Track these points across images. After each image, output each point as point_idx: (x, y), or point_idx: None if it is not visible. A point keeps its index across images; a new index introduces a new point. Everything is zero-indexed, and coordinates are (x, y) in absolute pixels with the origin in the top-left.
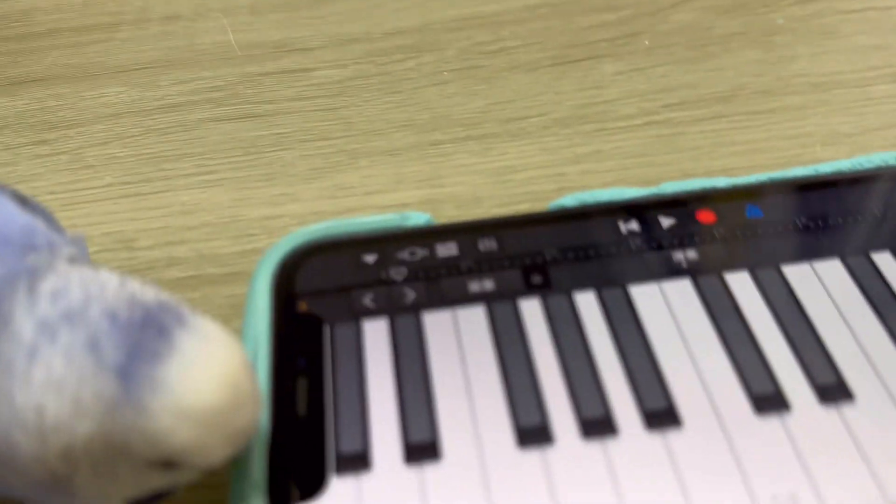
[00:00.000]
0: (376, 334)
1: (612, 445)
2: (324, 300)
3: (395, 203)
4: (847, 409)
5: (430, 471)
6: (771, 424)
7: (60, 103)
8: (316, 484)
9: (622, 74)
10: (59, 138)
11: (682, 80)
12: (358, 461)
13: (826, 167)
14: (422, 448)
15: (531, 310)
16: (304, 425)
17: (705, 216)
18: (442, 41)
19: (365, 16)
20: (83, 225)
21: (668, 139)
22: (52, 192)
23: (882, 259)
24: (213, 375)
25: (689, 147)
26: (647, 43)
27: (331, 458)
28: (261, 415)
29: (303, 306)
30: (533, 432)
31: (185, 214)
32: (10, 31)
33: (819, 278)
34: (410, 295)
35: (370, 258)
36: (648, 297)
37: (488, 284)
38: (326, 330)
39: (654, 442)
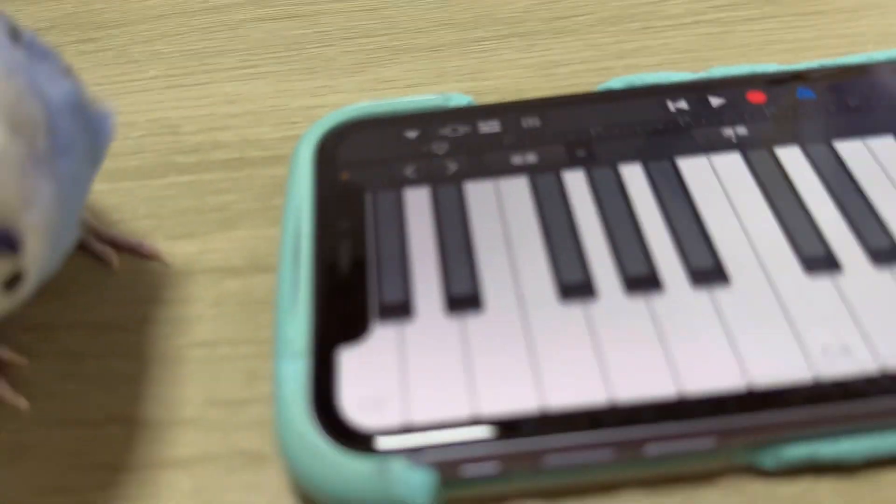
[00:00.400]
0: (418, 201)
1: (657, 300)
2: (365, 171)
3: (441, 93)
4: None
5: (471, 321)
6: (822, 283)
7: (106, 6)
8: (360, 328)
9: None
10: (104, 37)
11: None
12: (400, 310)
13: (880, 55)
14: (463, 300)
15: (575, 181)
16: (348, 280)
17: (756, 97)
18: None
19: None
20: (129, 112)
21: (717, 37)
22: (98, 84)
23: None
24: None
25: (738, 44)
26: None
27: (374, 306)
28: None
29: (344, 176)
30: (576, 287)
31: (229, 104)
32: None
33: (871, 152)
34: (452, 166)
35: (412, 133)
36: (697, 169)
37: (531, 157)
38: (368, 197)
39: (700, 297)
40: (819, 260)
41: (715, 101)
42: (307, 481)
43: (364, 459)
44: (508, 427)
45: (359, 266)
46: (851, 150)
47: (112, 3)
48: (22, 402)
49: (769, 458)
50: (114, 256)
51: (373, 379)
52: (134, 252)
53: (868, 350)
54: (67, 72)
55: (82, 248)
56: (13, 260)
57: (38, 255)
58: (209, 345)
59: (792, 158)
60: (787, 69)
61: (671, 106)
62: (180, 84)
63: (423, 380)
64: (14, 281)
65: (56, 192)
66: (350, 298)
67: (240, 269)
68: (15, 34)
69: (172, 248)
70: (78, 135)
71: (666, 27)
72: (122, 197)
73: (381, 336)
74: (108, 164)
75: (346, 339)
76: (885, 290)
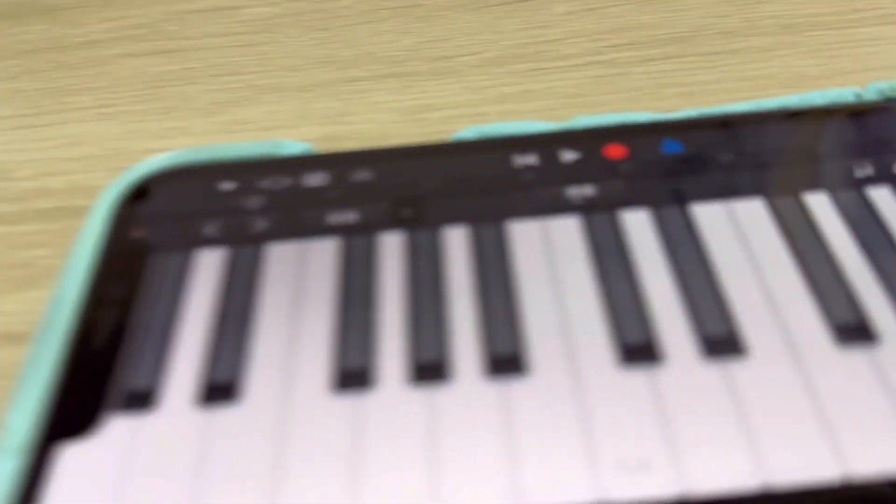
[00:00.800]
0: (208, 265)
1: (441, 392)
2: (162, 228)
3: (292, 138)
4: (734, 365)
5: (223, 417)
6: (635, 377)
7: None
8: (90, 421)
9: (572, 14)
10: None
11: (637, 21)
12: (142, 399)
13: (770, 102)
14: (218, 388)
15: (391, 244)
16: (98, 361)
17: (615, 151)
18: None
19: None
20: None
21: (608, 79)
22: None
23: (815, 200)
24: None
25: (629, 88)
26: None
27: (115, 393)
28: None
29: (136, 233)
30: (353, 375)
31: (71, 146)
32: None
33: (732, 218)
34: (261, 225)
35: (227, 186)
36: (526, 235)
37: (351, 216)
38: (153, 259)
39: (491, 391)
40: (638, 349)
41: (567, 157)
42: None
43: None
44: None
45: (115, 343)
46: (710, 215)
47: None
48: None
49: None
50: None
51: (87, 485)
52: None
53: (670, 467)
54: None
55: None
56: None
57: None
58: None
59: (637, 224)
60: (657, 119)
61: (517, 161)
62: (30, 125)
63: (143, 487)
64: None
65: None
66: (91, 383)
67: (22, 336)
68: None
69: None
70: None
71: (556, 69)
72: None
73: (112, 432)
74: None
75: (72, 434)
76: (708, 389)
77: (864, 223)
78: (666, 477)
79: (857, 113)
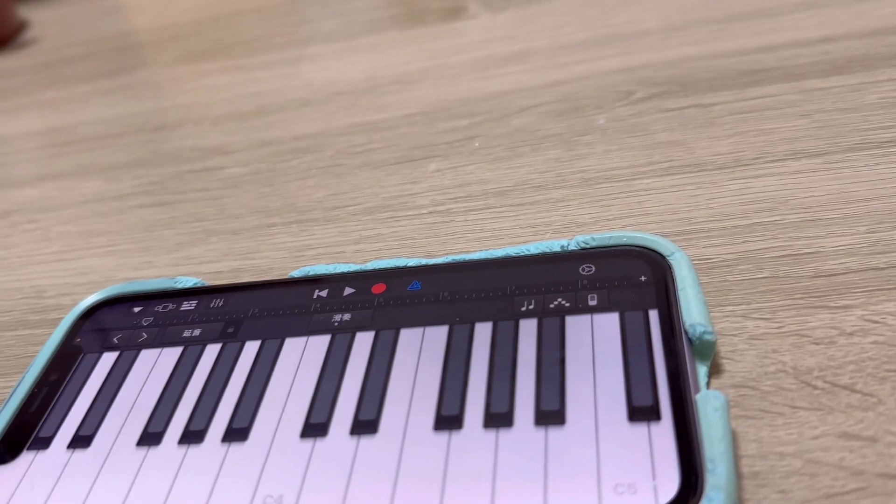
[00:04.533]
0: (106, 363)
1: (191, 452)
2: (91, 337)
3: (215, 271)
4: (366, 440)
5: (76, 459)
6: (306, 444)
7: (56, 194)
8: (14, 455)
9: (439, 171)
10: (43, 218)
11: (480, 177)
12: (43, 442)
13: (497, 252)
14: (82, 438)
15: (210, 353)
16: (29, 418)
17: (378, 288)
18: (327, 144)
19: (285, 125)
20: (25, 278)
21: (437, 226)
22: (19, 257)
23: (482, 328)
24: None
25: (447, 233)
26: (476, 145)
27: (31, 439)
28: None
29: (77, 340)
30: (148, 436)
31: (82, 275)
32: (59, 139)
33: (424, 338)
34: (143, 336)
35: (137, 308)
36: (292, 348)
37: (196, 332)
38: (80, 357)
39: (221, 450)
40: (315, 426)
41: (347, 291)
42: None
43: None
44: None
45: (41, 409)
46: (408, 337)
47: (59, 192)
48: None
49: None
50: None
51: (4, 489)
52: None
53: (293, 501)
54: None
55: None
56: None
57: None
58: None
59: (362, 341)
60: (419, 264)
61: (315, 294)
62: (64, 258)
63: (20, 496)
64: None
65: None
66: (22, 432)
67: None
68: None
69: None
70: None
71: (406, 217)
72: None
73: (21, 461)
74: None
75: (3, 461)
76: (345, 456)
77: (504, 348)
78: None
79: (547, 260)
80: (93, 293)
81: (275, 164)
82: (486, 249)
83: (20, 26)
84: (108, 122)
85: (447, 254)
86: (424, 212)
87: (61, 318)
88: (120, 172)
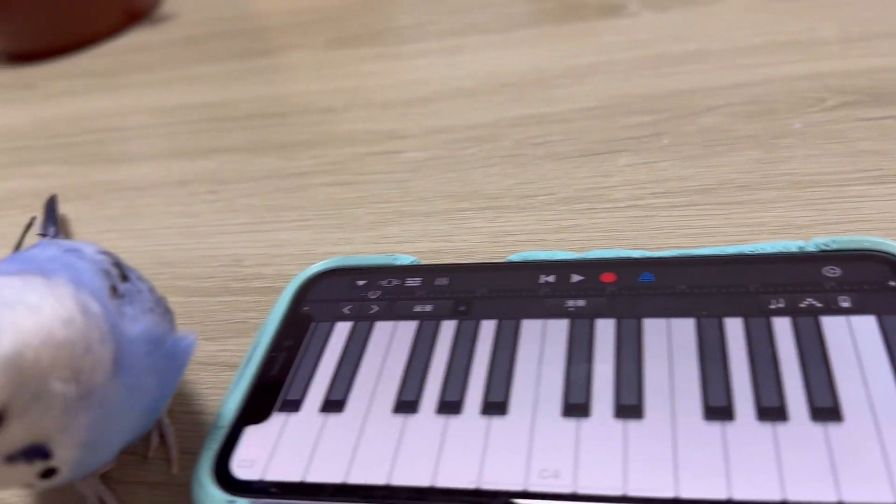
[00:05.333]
0: (341, 332)
1: (452, 423)
2: (319, 307)
3: (415, 251)
4: (633, 424)
5: (332, 420)
6: (568, 424)
7: (231, 167)
8: (265, 415)
9: (631, 166)
10: (223, 189)
11: (677, 174)
12: (293, 405)
13: (730, 249)
14: (333, 403)
15: (447, 328)
16: (273, 381)
17: (608, 277)
18: (504, 134)
19: (458, 113)
20: (218, 247)
21: (640, 220)
22: (206, 226)
23: (732, 323)
24: None
25: (651, 228)
26: (665, 142)
27: (279, 401)
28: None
29: (305, 309)
30: (406, 404)
31: (278, 246)
32: (222, 114)
33: (668, 330)
34: (374, 309)
35: (361, 282)
36: (532, 330)
37: (427, 308)
38: (312, 326)
39: (482, 423)
40: (575, 407)
41: (575, 278)
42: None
43: (224, 497)
44: (314, 490)
45: (283, 374)
46: (653, 327)
47: (234, 166)
48: None
49: None
50: (175, 463)
51: (257, 447)
52: (166, 448)
53: (570, 477)
54: (151, 310)
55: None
56: (45, 463)
57: (70, 460)
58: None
59: (603, 328)
60: (645, 256)
61: (541, 279)
62: (255, 230)
63: (282, 451)
64: (48, 474)
65: (96, 418)
66: (268, 394)
67: (234, 363)
68: (115, 288)
69: (202, 347)
70: (144, 356)
71: (604, 209)
72: (189, 307)
73: (274, 421)
74: (188, 283)
75: (255, 421)
76: (614, 437)
77: (760, 344)
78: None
79: (787, 259)
80: (292, 264)
81: (453, 151)
82: (701, 247)
83: (156, 1)
84: (269, 101)
85: (658, 248)
86: (622, 205)
87: (266, 287)
88: (294, 151)
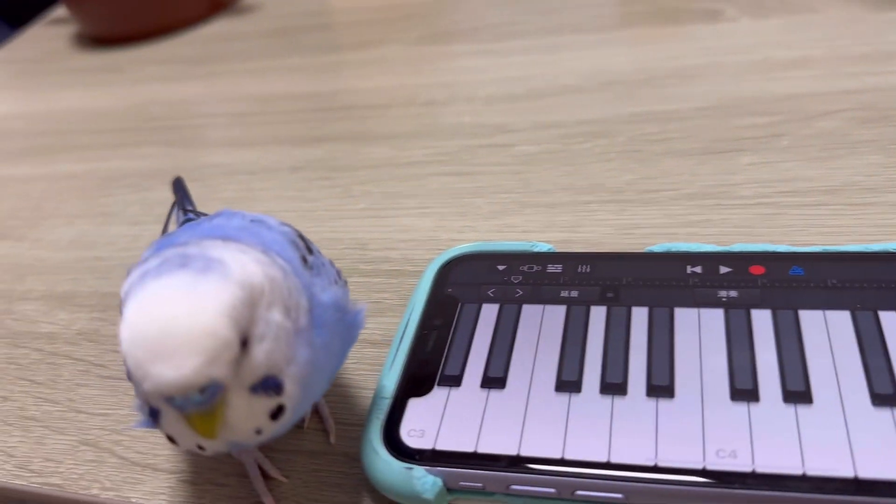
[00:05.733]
0: (489, 313)
1: (618, 403)
2: (463, 289)
3: (542, 240)
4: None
5: (494, 395)
6: (740, 408)
7: (341, 156)
8: (427, 389)
9: (754, 165)
10: (337, 177)
11: (802, 174)
12: (453, 380)
13: (875, 246)
14: (494, 380)
15: (597, 314)
16: (428, 358)
17: (756, 270)
18: (617, 130)
19: (565, 109)
20: (341, 230)
21: (769, 217)
22: (326, 210)
23: (888, 316)
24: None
25: (784, 225)
26: (785, 143)
27: (439, 375)
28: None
29: (449, 290)
30: (568, 384)
31: (402, 232)
32: (322, 104)
33: (825, 322)
34: (520, 292)
35: (501, 267)
36: (686, 317)
37: (574, 293)
38: (460, 306)
39: (649, 405)
40: (744, 392)
41: (723, 269)
42: (372, 477)
43: (401, 466)
44: (489, 460)
45: (438, 352)
46: (810, 318)
47: (345, 154)
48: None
49: None
50: (332, 433)
51: (423, 419)
52: (321, 419)
53: (749, 457)
54: (335, 281)
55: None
56: (278, 398)
57: (294, 397)
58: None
59: (760, 318)
60: (792, 250)
61: (688, 269)
62: (376, 215)
63: (449, 424)
64: (278, 413)
65: (310, 356)
66: (427, 369)
67: (376, 341)
68: (305, 259)
69: None
70: (334, 322)
71: (733, 205)
72: None
73: (437, 395)
74: None
75: (417, 394)
76: (785, 421)
77: None
78: None
79: None
80: (418, 249)
81: (567, 146)
82: (836, 245)
83: None
84: (368, 93)
85: (792, 244)
86: (751, 202)
87: (395, 270)
88: (403, 141)
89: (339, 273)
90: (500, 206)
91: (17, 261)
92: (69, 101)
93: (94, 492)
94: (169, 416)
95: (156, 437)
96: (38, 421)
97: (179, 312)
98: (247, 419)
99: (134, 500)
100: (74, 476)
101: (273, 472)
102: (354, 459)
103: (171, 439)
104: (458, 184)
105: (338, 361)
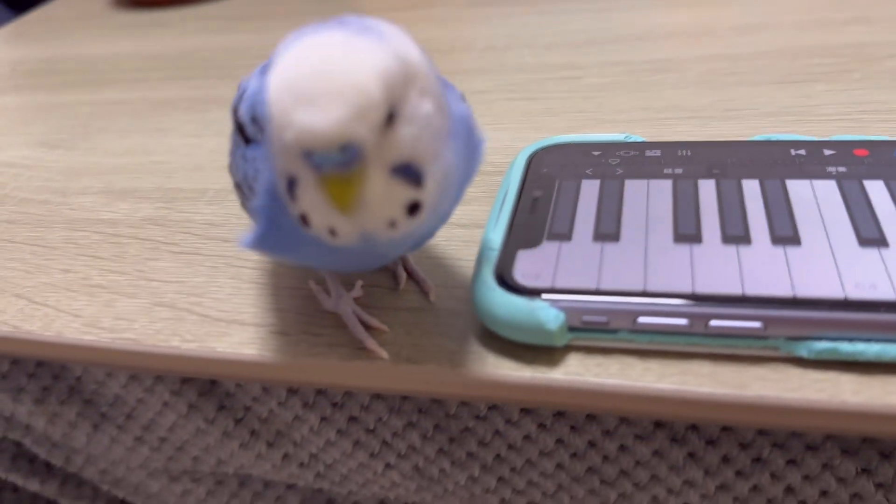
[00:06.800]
0: (591, 187)
1: (743, 250)
2: (560, 168)
3: None
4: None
5: (608, 247)
6: (870, 251)
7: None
8: (536, 242)
9: (830, 91)
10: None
11: (875, 98)
12: (563, 235)
13: None
14: (607, 234)
15: (707, 187)
16: (532, 219)
17: (860, 152)
18: (687, 67)
19: (630, 52)
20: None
21: (855, 130)
22: None
23: None
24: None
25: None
26: (857, 76)
27: (546, 232)
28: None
29: (545, 170)
30: (686, 236)
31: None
32: None
33: None
34: (619, 170)
35: (596, 152)
36: (799, 187)
37: (678, 170)
38: (557, 182)
39: (777, 252)
40: (871, 239)
41: (827, 152)
42: (488, 314)
43: (522, 299)
44: (615, 294)
45: (542, 214)
46: None
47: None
48: (384, 354)
49: (804, 350)
50: (432, 292)
51: (535, 265)
52: (419, 285)
53: (891, 288)
54: (463, 99)
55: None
56: (417, 191)
57: (433, 195)
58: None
59: (875, 188)
60: (892, 139)
61: (793, 152)
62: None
63: (565, 268)
64: (414, 209)
65: (447, 163)
66: (533, 226)
67: (465, 224)
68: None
69: None
70: (463, 137)
71: (817, 120)
72: None
73: (547, 247)
74: None
75: (526, 247)
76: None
77: None
78: None
79: None
80: (499, 153)
81: (637, 78)
82: None
83: None
84: (424, 42)
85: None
86: (834, 118)
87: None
88: (466, 76)
89: (463, 96)
90: (577, 123)
91: (71, 164)
92: (115, 47)
93: (175, 343)
94: (305, 184)
95: (240, 297)
96: (105, 288)
97: (334, 63)
98: (383, 203)
99: (220, 350)
100: (150, 332)
101: (373, 322)
102: (458, 315)
103: (303, 219)
104: (529, 107)
105: (461, 185)
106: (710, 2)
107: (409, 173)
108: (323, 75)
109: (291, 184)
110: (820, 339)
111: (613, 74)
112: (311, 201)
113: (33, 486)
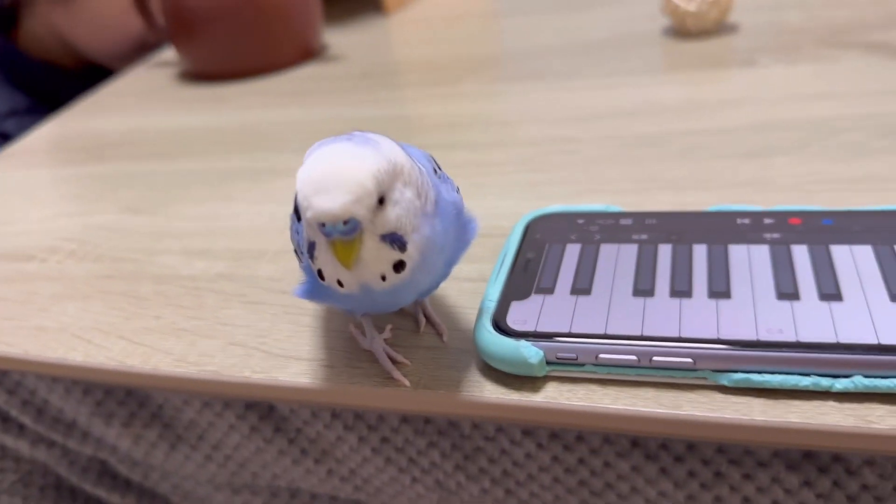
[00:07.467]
0: (573, 249)
1: (685, 302)
2: (550, 234)
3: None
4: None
5: (581, 299)
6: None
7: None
8: (526, 295)
9: (788, 164)
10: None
11: (826, 169)
12: (547, 290)
13: (887, 206)
14: (581, 290)
15: (664, 249)
16: (524, 276)
17: (794, 220)
18: (669, 141)
19: (624, 127)
20: None
21: (803, 197)
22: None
23: None
24: (318, 164)
25: (816, 203)
26: (814, 149)
27: (535, 286)
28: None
29: (537, 235)
30: (642, 290)
31: (489, 209)
32: (406, 124)
33: (852, 255)
34: (597, 236)
35: (581, 221)
36: (738, 251)
37: (644, 237)
38: (547, 245)
39: (711, 304)
40: (787, 293)
41: (767, 221)
42: (485, 352)
43: (512, 340)
44: (582, 336)
45: (532, 272)
46: (839, 252)
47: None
48: (406, 382)
49: (725, 379)
50: (445, 334)
51: (524, 314)
52: (434, 328)
53: (793, 333)
54: (457, 191)
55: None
56: (401, 254)
57: (414, 258)
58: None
59: (799, 252)
60: (823, 209)
61: (738, 221)
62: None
63: (546, 316)
64: (399, 266)
65: (430, 234)
66: (525, 282)
67: (473, 278)
68: (436, 170)
69: None
70: (453, 217)
71: (772, 190)
72: None
73: (534, 299)
74: None
75: (518, 299)
76: (823, 312)
77: None
78: None
79: None
80: (503, 218)
81: (627, 151)
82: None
83: (323, 47)
84: (450, 116)
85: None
86: (788, 189)
87: (483, 233)
88: (484, 148)
89: (458, 189)
90: (572, 192)
91: (153, 229)
92: (183, 120)
93: (247, 374)
94: (321, 247)
95: (297, 337)
96: (189, 331)
97: (340, 166)
98: (376, 261)
99: (282, 380)
100: (227, 365)
101: (399, 357)
102: (465, 352)
103: (319, 273)
104: (534, 178)
105: (453, 254)
106: (701, 78)
107: (395, 240)
108: (334, 173)
109: (311, 247)
110: (737, 371)
111: (607, 147)
112: (324, 260)
113: (115, 499)
